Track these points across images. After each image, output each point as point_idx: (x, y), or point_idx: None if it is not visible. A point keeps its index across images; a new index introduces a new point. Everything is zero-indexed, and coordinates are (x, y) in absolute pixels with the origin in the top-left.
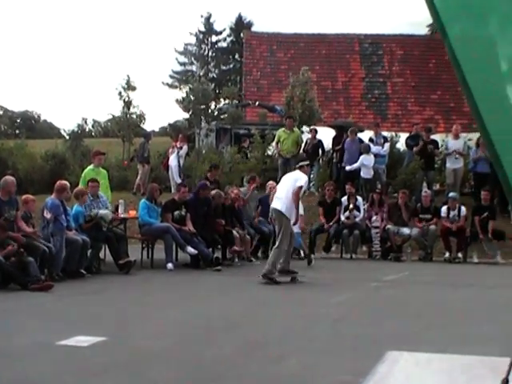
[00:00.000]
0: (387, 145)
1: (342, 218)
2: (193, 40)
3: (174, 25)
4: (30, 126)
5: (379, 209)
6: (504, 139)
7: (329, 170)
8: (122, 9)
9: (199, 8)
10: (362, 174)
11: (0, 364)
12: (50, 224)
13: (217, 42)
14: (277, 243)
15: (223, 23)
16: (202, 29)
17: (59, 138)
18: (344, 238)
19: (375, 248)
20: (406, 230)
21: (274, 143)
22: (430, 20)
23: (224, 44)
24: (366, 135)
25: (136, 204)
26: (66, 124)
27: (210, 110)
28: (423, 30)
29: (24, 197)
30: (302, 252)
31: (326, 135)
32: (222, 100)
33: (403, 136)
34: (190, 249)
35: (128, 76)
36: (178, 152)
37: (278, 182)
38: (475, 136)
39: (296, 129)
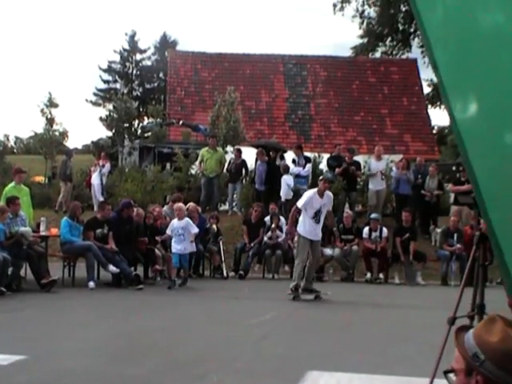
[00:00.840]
0: (309, 165)
1: (265, 238)
2: (117, 58)
3: (98, 42)
4: None
5: None
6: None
7: (252, 189)
8: (45, 24)
9: (124, 26)
10: (281, 194)
11: None
12: None
13: (141, 61)
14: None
15: (148, 41)
16: (127, 47)
17: None
18: (266, 258)
19: None
20: (328, 251)
21: (197, 162)
22: (353, 42)
23: (148, 62)
24: (289, 156)
25: (58, 222)
26: None
27: (133, 129)
28: (347, 52)
29: None
30: (224, 271)
31: (250, 155)
32: (145, 118)
33: (326, 157)
34: (111, 267)
35: (50, 93)
36: (101, 170)
37: (200, 201)
38: (397, 158)
39: (219, 148)
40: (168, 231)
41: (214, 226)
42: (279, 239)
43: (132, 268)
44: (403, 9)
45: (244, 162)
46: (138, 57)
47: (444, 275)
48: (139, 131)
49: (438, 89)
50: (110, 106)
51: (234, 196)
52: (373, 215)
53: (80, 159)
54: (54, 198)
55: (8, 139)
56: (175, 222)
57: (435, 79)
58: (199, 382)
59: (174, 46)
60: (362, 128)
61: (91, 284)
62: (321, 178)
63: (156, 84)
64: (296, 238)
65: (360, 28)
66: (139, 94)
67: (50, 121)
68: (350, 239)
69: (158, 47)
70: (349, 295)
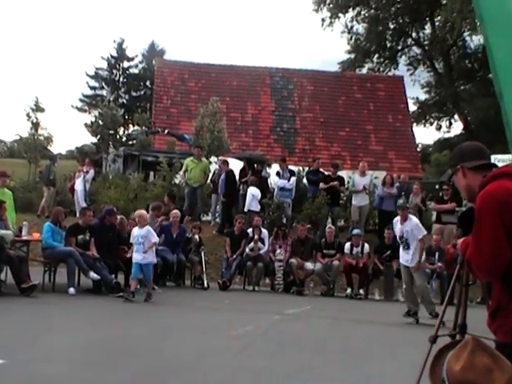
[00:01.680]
0: (293, 179)
1: (247, 249)
2: (104, 64)
3: (85, 48)
4: None
5: (283, 242)
6: None
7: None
8: (34, 28)
9: (112, 33)
10: (250, 206)
11: None
12: None
13: (128, 68)
14: None
15: (136, 49)
16: (115, 54)
17: None
18: (248, 270)
19: (278, 281)
20: (309, 265)
21: (181, 172)
22: (341, 58)
23: (135, 70)
24: (273, 169)
25: (40, 226)
26: None
27: (118, 136)
28: (334, 67)
29: None
30: (205, 282)
31: (233, 166)
32: (131, 126)
33: None
34: (92, 274)
35: (36, 97)
36: (85, 176)
37: (183, 211)
38: (381, 174)
39: (204, 159)
40: (131, 240)
41: (197, 236)
42: (261, 251)
43: (113, 275)
44: (391, 26)
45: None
46: (126, 64)
47: None
48: (124, 139)
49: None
50: (96, 113)
51: (217, 207)
52: (355, 231)
53: (64, 165)
54: (37, 202)
55: None
56: (136, 229)
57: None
58: None
59: (162, 54)
60: (347, 143)
61: (71, 290)
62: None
63: (142, 92)
64: None
65: (348, 44)
66: (125, 101)
67: (36, 125)
68: (332, 254)
69: (145, 55)
70: (329, 310)
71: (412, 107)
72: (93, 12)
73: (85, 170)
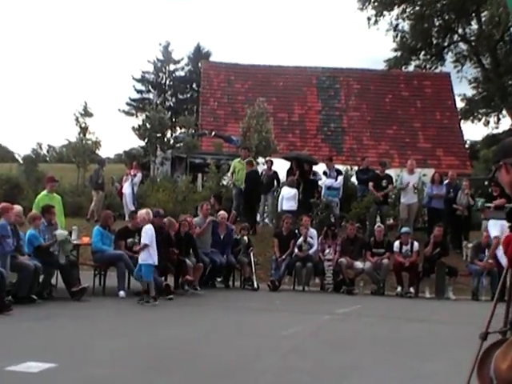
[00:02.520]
0: (340, 178)
1: (296, 250)
2: (151, 68)
3: (132, 52)
4: None
5: (332, 241)
6: None
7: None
8: (81, 34)
9: (158, 36)
10: (283, 206)
11: None
12: None
13: (175, 71)
14: None
15: (182, 52)
16: (161, 57)
17: (13, 162)
18: (297, 270)
19: (328, 281)
20: (358, 264)
21: (229, 173)
22: (387, 56)
23: (182, 73)
24: (320, 168)
25: (89, 230)
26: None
27: (165, 139)
28: (380, 66)
29: None
30: (255, 283)
31: (281, 167)
32: (178, 129)
33: None
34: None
35: (85, 102)
36: (132, 180)
37: (230, 211)
38: (430, 172)
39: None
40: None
41: (245, 238)
42: (310, 251)
43: (163, 278)
44: (437, 23)
45: (276, 173)
46: (172, 67)
47: (475, 290)
48: (171, 141)
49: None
50: (143, 116)
51: (266, 208)
52: (404, 229)
53: (112, 168)
54: (86, 206)
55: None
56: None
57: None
58: None
59: (208, 57)
60: (395, 141)
61: (121, 293)
62: None
63: (189, 95)
64: None
65: (394, 41)
66: (172, 104)
67: (84, 130)
68: (381, 253)
69: (191, 58)
70: (379, 309)
71: (459, 104)
72: (139, 16)
73: (132, 174)
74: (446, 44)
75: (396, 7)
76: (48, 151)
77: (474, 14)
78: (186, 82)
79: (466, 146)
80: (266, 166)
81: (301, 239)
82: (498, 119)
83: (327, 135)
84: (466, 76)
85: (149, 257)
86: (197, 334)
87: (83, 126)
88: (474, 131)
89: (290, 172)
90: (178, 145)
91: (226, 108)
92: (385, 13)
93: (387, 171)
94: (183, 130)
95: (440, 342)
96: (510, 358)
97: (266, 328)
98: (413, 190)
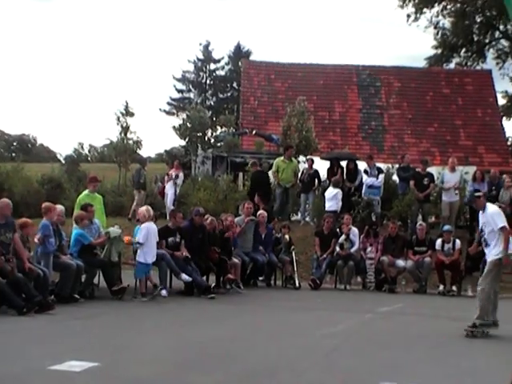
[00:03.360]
0: (381, 176)
1: (337, 248)
2: (191, 67)
3: (172, 52)
4: (26, 149)
5: (374, 240)
6: None
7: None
8: (121, 34)
9: (198, 36)
10: (326, 205)
11: None
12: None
13: (215, 70)
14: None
15: (222, 51)
16: (201, 56)
17: (55, 162)
18: (339, 269)
19: (369, 279)
20: (400, 262)
21: (271, 172)
22: (427, 53)
23: (222, 72)
24: (361, 166)
25: (131, 230)
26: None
27: (206, 138)
28: (421, 63)
29: (22, 220)
30: (296, 281)
31: (322, 165)
32: (218, 128)
33: None
34: (184, 276)
35: (126, 102)
36: (175, 180)
37: (273, 211)
38: (471, 169)
39: (294, 158)
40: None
41: (287, 236)
42: (352, 250)
43: (204, 277)
44: (478, 19)
45: (317, 172)
46: (212, 66)
47: None
48: (212, 140)
49: None
50: (184, 115)
51: (307, 206)
52: (446, 227)
53: (154, 168)
54: (128, 206)
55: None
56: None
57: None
58: None
59: (248, 56)
60: (436, 139)
61: (163, 292)
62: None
63: (229, 94)
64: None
65: (434, 39)
66: (212, 103)
67: (125, 129)
68: (423, 251)
69: (231, 57)
70: (421, 307)
71: (501, 101)
72: (179, 16)
73: (174, 174)
74: (487, 41)
75: (436, 4)
76: (89, 151)
77: None
78: (226, 81)
79: (508, 143)
80: (306, 165)
81: (342, 238)
82: None
83: (368, 133)
84: (508, 73)
85: (141, 255)
86: (239, 332)
87: (124, 125)
88: None
89: (330, 171)
90: (219, 144)
91: (267, 107)
92: (425, 10)
93: (429, 169)
94: (224, 129)
95: (483, 340)
96: None
97: (307, 327)
98: (453, 190)
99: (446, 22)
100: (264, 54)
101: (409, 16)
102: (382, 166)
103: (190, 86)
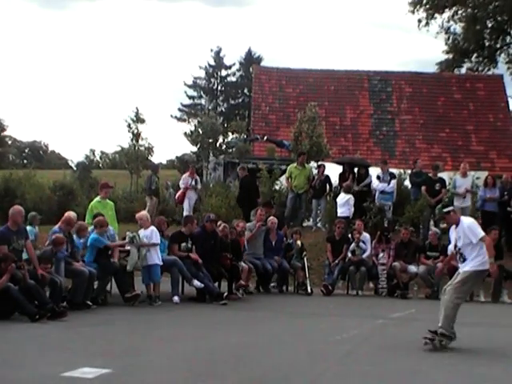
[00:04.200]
0: (393, 182)
1: (349, 254)
2: (202, 74)
3: (183, 58)
4: (38, 156)
5: (386, 246)
6: None
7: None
8: (133, 41)
9: (209, 42)
10: (338, 211)
11: None
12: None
13: (226, 76)
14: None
15: (233, 58)
16: (212, 63)
17: (67, 169)
18: (351, 275)
19: (381, 285)
20: (412, 268)
21: (283, 178)
22: (438, 58)
23: (233, 78)
24: (373, 172)
25: None
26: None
27: (217, 144)
28: (432, 68)
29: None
30: (308, 287)
31: (333, 171)
32: (230, 134)
33: None
34: (196, 282)
35: (137, 108)
36: (195, 186)
37: (283, 217)
38: (483, 175)
39: (307, 164)
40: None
41: (299, 242)
42: (364, 255)
43: (216, 283)
44: (489, 24)
45: (328, 177)
46: (223, 73)
47: None
48: (224, 147)
49: None
50: (195, 122)
51: (319, 212)
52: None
53: (165, 174)
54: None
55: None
56: (141, 231)
57: None
58: None
59: (259, 62)
60: (447, 144)
61: (176, 298)
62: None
63: (241, 100)
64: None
65: (445, 44)
66: (224, 109)
67: (136, 136)
68: (436, 256)
69: (242, 63)
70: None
71: None
72: (190, 22)
73: (191, 181)
74: (498, 46)
75: (447, 9)
76: (101, 157)
77: None
78: (237, 87)
79: None
80: (318, 171)
81: (354, 244)
82: None
83: (379, 139)
84: None
85: (155, 257)
86: (251, 338)
87: (135, 132)
88: None
89: (342, 176)
90: (230, 150)
91: (278, 113)
92: (436, 15)
93: (440, 174)
94: (235, 135)
95: (496, 345)
96: None
97: (320, 332)
98: (463, 195)
99: (458, 27)
100: (275, 59)
101: (420, 21)
102: (395, 171)
103: (202, 93)
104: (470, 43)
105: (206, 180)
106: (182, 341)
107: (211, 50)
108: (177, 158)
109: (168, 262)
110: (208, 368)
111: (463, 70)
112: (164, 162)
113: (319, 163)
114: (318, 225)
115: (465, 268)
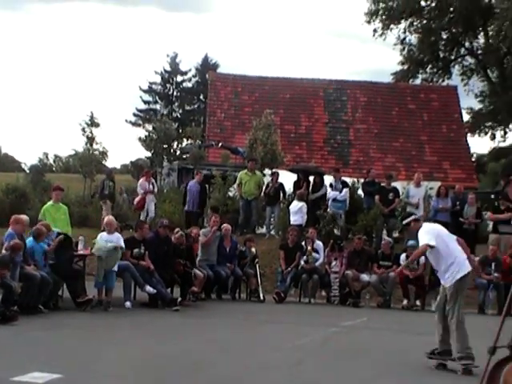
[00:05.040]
0: (345, 190)
1: (302, 262)
2: (158, 79)
3: (139, 63)
4: None
5: (339, 254)
6: None
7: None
8: (88, 44)
9: (165, 47)
10: (291, 219)
11: None
12: None
13: (182, 82)
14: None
15: (189, 63)
16: (168, 68)
17: (20, 172)
18: (303, 282)
19: (334, 293)
20: (365, 277)
21: (235, 185)
22: (393, 69)
23: (189, 84)
24: (327, 180)
25: None
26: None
27: (172, 150)
28: (387, 79)
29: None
30: (261, 295)
31: (288, 179)
32: (185, 140)
33: None
34: (148, 288)
35: (92, 112)
36: (153, 190)
37: (238, 224)
38: (436, 185)
39: (258, 171)
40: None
41: (253, 249)
42: (316, 263)
43: (169, 289)
44: (444, 36)
45: (282, 185)
46: (179, 78)
47: (481, 304)
48: (178, 152)
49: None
50: (150, 127)
51: (272, 220)
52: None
53: (119, 179)
54: (93, 216)
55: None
56: (104, 235)
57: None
58: None
59: (215, 68)
60: (401, 154)
61: (128, 304)
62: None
63: (196, 106)
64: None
65: (401, 54)
66: (179, 115)
67: (91, 140)
68: (388, 265)
69: (199, 69)
70: (385, 322)
71: (466, 117)
72: (147, 27)
73: (149, 186)
74: (453, 57)
75: (403, 20)
76: (54, 161)
77: (481, 28)
78: (193, 93)
79: (473, 159)
80: (272, 178)
81: (307, 252)
82: (505, 133)
83: (334, 147)
84: (473, 89)
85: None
86: (204, 345)
87: (90, 136)
88: (480, 144)
89: (296, 184)
90: (185, 156)
91: (233, 119)
92: (392, 26)
93: (393, 184)
94: (190, 141)
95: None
96: None
97: (272, 340)
98: (416, 205)
99: (413, 39)
100: (231, 66)
101: (375, 31)
102: (348, 180)
103: (157, 98)
104: (425, 54)
105: (159, 185)
106: (133, 347)
107: (167, 56)
108: (131, 162)
109: (121, 267)
110: (160, 374)
111: (418, 81)
112: (118, 167)
113: (273, 170)
114: (272, 232)
115: (446, 285)
